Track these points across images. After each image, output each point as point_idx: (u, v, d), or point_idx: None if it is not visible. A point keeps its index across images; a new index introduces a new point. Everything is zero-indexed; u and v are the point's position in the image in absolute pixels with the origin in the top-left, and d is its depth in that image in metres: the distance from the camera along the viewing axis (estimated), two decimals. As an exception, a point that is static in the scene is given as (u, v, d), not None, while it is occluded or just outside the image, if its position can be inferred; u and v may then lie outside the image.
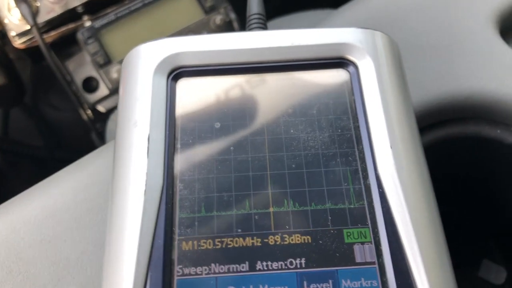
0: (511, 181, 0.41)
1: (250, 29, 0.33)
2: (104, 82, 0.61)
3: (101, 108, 0.63)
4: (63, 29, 0.62)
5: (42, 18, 0.59)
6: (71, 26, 0.62)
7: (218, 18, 0.62)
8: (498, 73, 0.38)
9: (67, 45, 0.64)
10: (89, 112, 0.64)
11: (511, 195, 0.42)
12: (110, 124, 0.62)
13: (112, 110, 0.63)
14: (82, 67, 0.63)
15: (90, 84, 0.63)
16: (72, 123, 0.76)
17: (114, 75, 0.59)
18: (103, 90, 0.62)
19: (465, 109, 0.37)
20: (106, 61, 0.60)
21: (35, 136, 0.81)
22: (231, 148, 0.26)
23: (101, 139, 0.64)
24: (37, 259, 0.30)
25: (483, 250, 0.49)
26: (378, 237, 0.24)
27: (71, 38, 0.62)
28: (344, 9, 0.44)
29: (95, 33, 0.60)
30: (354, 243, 0.24)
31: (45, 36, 0.60)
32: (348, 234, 0.24)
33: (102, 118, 0.64)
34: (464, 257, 0.46)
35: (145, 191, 0.24)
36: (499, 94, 0.37)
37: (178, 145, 0.26)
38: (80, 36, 0.60)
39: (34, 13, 0.58)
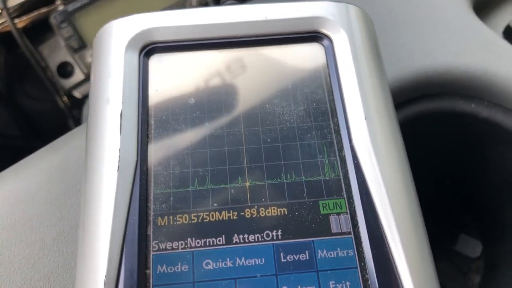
0: (485, 154, 0.41)
1: (224, 3, 0.33)
2: (79, 67, 0.60)
3: (77, 94, 0.62)
4: (35, 13, 0.60)
5: (13, 1, 0.58)
6: (43, 10, 0.61)
7: (194, 1, 0.61)
8: (472, 49, 0.38)
9: (40, 30, 0.62)
10: (65, 98, 0.63)
11: (486, 169, 0.43)
12: (86, 110, 0.61)
13: (87, 96, 0.62)
14: (56, 52, 0.62)
15: (65, 70, 0.62)
16: (49, 112, 0.75)
17: (89, 59, 0.58)
18: (78, 75, 0.61)
19: (439, 84, 0.37)
20: (80, 45, 0.58)
21: (11, 126, 0.79)
22: (206, 123, 0.26)
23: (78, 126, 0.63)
24: (11, 242, 0.30)
25: (459, 225, 0.49)
26: (354, 207, 0.24)
27: (44, 23, 0.60)
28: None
29: (68, 16, 0.58)
30: (329, 214, 0.24)
31: (16, 20, 0.59)
32: (324, 205, 0.24)
33: (79, 105, 0.63)
34: (441, 232, 0.47)
35: (118, 167, 0.23)
36: (473, 69, 0.37)
37: (152, 122, 0.26)
38: (53, 20, 0.58)
39: (5, -4, 0.57)
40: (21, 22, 0.60)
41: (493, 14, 0.45)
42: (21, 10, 0.59)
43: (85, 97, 0.62)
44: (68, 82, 0.61)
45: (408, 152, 0.26)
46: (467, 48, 0.38)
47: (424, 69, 0.37)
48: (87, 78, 0.60)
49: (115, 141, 0.24)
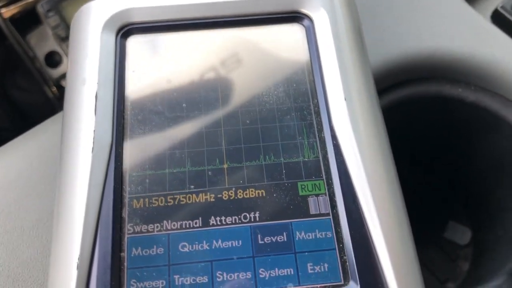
0: (473, 139, 0.41)
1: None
2: (67, 56, 0.59)
3: (65, 84, 0.61)
4: (22, 2, 0.60)
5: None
6: (30, -1, 0.60)
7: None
8: (459, 32, 0.37)
9: (27, 20, 0.62)
10: (54, 89, 0.62)
11: (473, 154, 0.42)
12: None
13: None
14: (44, 42, 0.61)
15: (53, 59, 0.61)
16: (39, 103, 0.74)
17: (77, 48, 0.58)
18: (66, 65, 0.60)
19: (426, 68, 0.37)
20: (68, 34, 0.58)
21: (1, 118, 0.79)
22: (184, 105, 0.25)
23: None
24: (-10, 229, 0.29)
25: (449, 212, 0.49)
26: (333, 188, 0.23)
27: (31, 13, 0.60)
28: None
29: (55, 5, 0.58)
30: (308, 196, 0.23)
31: (3, 10, 0.58)
32: (303, 186, 0.24)
33: (67, 94, 0.62)
34: (431, 219, 0.46)
35: (92, 148, 0.23)
36: (460, 53, 0.37)
37: (128, 103, 0.25)
38: (40, 9, 0.58)
39: (-10, -15, 0.56)
40: (8, 11, 0.59)
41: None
42: (8, 0, 0.59)
43: (74, 87, 0.61)
44: (56, 72, 0.60)
45: (395, 137, 0.26)
46: (454, 32, 0.38)
47: (410, 52, 0.37)
48: (75, 68, 0.59)
49: (90, 122, 0.24)
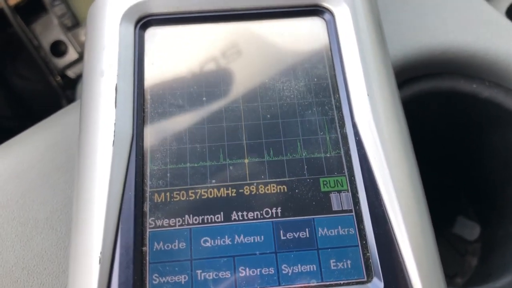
0: (485, 136, 0.41)
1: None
2: (73, 46, 0.58)
3: (70, 73, 0.61)
4: (27, -10, 0.59)
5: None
6: (35, -14, 0.59)
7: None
8: (474, 28, 0.37)
9: (33, 8, 0.61)
10: (58, 78, 0.62)
11: (485, 150, 0.42)
12: (80, 89, 0.60)
13: (81, 75, 0.61)
14: (49, 31, 0.60)
15: (58, 48, 0.60)
16: (42, 93, 0.74)
17: (83, 38, 0.57)
18: (72, 54, 0.60)
19: (440, 63, 0.37)
20: (74, 23, 0.57)
21: (2, 106, 0.78)
22: (204, 99, 0.25)
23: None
24: (4, 220, 0.29)
25: (458, 207, 0.49)
26: (355, 185, 0.23)
27: (37, 1, 0.59)
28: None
29: (61, -6, 0.57)
30: (330, 192, 0.23)
31: (8, -3, 0.57)
32: (325, 182, 0.23)
33: (72, 85, 0.62)
34: (440, 214, 0.46)
35: (113, 142, 0.23)
36: (474, 49, 0.37)
37: (148, 96, 0.25)
38: (46, -3, 0.57)
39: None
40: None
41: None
42: (13, -13, 0.58)
43: (79, 76, 0.61)
44: (61, 62, 0.60)
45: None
46: (469, 27, 0.37)
47: (425, 48, 0.36)
48: (80, 57, 0.59)
49: (110, 115, 0.23)
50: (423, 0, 0.39)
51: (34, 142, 0.32)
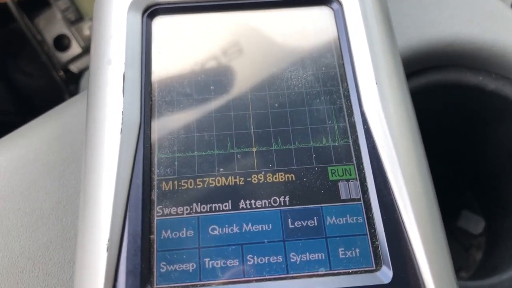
0: (490, 128, 0.41)
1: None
2: (76, 40, 0.58)
3: (73, 68, 0.60)
4: (31, -16, 0.59)
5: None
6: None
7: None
8: (479, 20, 0.37)
9: (36, 2, 0.61)
10: (61, 73, 0.62)
11: (490, 143, 0.42)
12: (84, 83, 0.60)
13: (85, 70, 0.60)
14: (52, 25, 0.60)
15: (61, 43, 0.60)
16: (45, 88, 0.73)
17: (87, 32, 0.57)
18: (75, 49, 0.60)
19: (446, 56, 0.37)
20: (77, 17, 0.57)
21: (5, 101, 0.78)
22: (211, 87, 0.25)
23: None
24: (9, 211, 0.29)
25: (462, 201, 0.49)
26: (364, 173, 0.23)
27: (40, -5, 0.59)
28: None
29: (65, -12, 0.57)
30: (338, 180, 0.23)
31: (12, -9, 0.57)
32: (333, 171, 0.23)
33: (75, 79, 0.62)
34: (444, 207, 0.46)
35: (121, 129, 0.23)
36: (480, 41, 0.36)
37: (155, 85, 0.25)
38: (49, -9, 0.57)
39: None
40: (16, -7, 0.58)
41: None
42: (16, -19, 0.58)
43: (82, 71, 0.61)
44: (64, 56, 0.60)
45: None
46: (475, 19, 0.37)
47: (430, 40, 0.36)
48: (84, 52, 0.59)
49: (118, 103, 0.23)
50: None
51: (39, 133, 0.32)
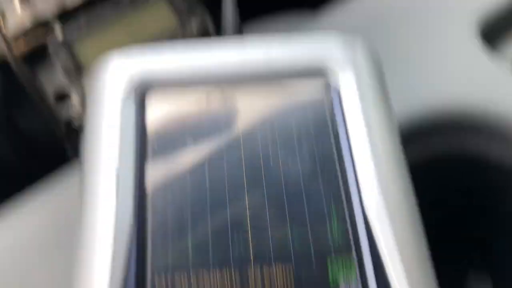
0: (496, 197, 0.40)
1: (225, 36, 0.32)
2: (77, 94, 0.58)
3: (75, 124, 0.60)
4: (33, 38, 0.59)
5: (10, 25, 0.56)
6: (40, 33, 0.59)
7: (194, 27, 0.60)
8: (480, 86, 0.37)
9: (37, 56, 0.61)
10: (63, 126, 0.62)
11: (497, 208, 0.41)
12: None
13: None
14: (54, 80, 0.60)
15: (62, 97, 0.60)
16: (46, 141, 0.74)
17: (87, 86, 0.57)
18: (76, 103, 0.59)
19: (448, 122, 0.36)
20: (78, 72, 0.57)
21: (7, 151, 0.78)
22: (207, 193, 0.24)
23: (76, 155, 0.61)
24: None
25: (469, 262, 0.48)
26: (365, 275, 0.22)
27: (42, 48, 0.59)
28: (322, 15, 0.43)
29: (67, 43, 0.57)
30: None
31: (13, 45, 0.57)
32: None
33: (77, 134, 0.61)
34: (451, 269, 0.45)
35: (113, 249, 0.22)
36: (482, 107, 0.36)
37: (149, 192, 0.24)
38: (51, 46, 0.57)
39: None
40: (18, 47, 0.58)
41: (503, 43, 0.44)
42: (18, 35, 0.58)
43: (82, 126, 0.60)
44: (66, 111, 0.59)
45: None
46: (475, 85, 0.37)
47: (430, 108, 0.36)
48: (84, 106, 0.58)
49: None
50: (424, 57, 0.38)
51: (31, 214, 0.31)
